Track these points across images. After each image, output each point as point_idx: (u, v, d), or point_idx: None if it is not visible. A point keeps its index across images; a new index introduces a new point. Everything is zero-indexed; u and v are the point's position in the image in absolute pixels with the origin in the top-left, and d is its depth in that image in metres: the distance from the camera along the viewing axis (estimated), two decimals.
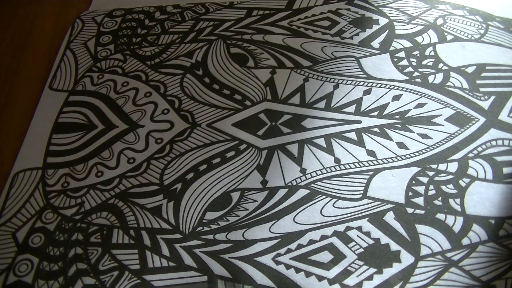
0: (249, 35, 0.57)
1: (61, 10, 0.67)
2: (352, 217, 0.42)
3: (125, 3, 0.65)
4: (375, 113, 0.48)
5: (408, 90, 0.49)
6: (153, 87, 0.54)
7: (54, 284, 0.42)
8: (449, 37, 0.53)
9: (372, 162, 0.45)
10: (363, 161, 0.45)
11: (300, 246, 0.41)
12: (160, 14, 0.62)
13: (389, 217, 0.41)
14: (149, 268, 0.42)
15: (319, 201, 0.43)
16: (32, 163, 0.51)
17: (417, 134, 0.46)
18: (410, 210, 0.41)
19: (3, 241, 0.46)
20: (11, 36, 0.65)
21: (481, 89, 0.47)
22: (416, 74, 0.50)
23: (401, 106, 0.47)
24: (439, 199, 0.41)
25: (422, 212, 0.41)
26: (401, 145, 0.45)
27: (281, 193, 0.44)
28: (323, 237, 0.41)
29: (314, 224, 0.42)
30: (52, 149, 0.51)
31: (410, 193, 0.42)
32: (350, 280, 0.38)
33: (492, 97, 0.47)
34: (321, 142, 0.47)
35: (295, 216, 0.42)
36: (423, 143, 0.45)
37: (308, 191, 0.44)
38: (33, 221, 0.46)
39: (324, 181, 0.44)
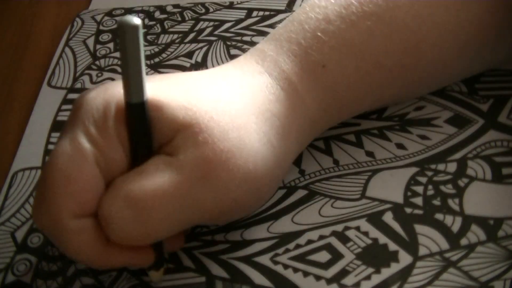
0: (249, 37, 0.57)
1: (61, 10, 0.67)
2: (350, 217, 0.42)
3: (125, 2, 0.65)
4: (374, 116, 0.48)
5: None
6: None
7: (53, 284, 0.42)
8: None
9: (371, 163, 0.45)
10: (362, 162, 0.45)
11: (298, 246, 0.41)
12: (160, 14, 0.62)
13: (388, 217, 0.41)
14: None
15: (317, 201, 0.43)
16: (31, 162, 0.51)
17: (416, 135, 0.46)
18: (408, 210, 0.41)
19: (1, 241, 0.45)
20: (10, 35, 0.65)
21: (480, 93, 0.47)
22: None
23: (400, 109, 0.47)
24: (438, 199, 0.41)
25: (421, 212, 0.41)
26: (399, 146, 0.45)
27: (280, 193, 0.44)
28: (321, 237, 0.41)
29: (312, 224, 0.42)
30: (51, 148, 0.51)
31: (409, 193, 0.42)
32: (348, 280, 0.38)
33: (491, 100, 0.47)
34: (320, 144, 0.47)
35: (294, 216, 0.42)
36: (422, 143, 0.45)
37: (307, 192, 0.44)
38: (32, 221, 0.46)
39: (322, 181, 0.44)
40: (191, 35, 0.59)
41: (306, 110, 0.41)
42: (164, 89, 0.37)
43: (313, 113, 0.41)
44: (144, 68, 0.33)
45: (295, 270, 0.39)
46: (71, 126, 0.35)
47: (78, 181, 0.34)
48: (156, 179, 0.34)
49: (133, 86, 0.33)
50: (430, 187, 0.42)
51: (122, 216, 0.34)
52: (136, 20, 0.31)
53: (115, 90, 0.36)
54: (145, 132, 0.35)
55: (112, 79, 0.56)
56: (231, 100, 0.38)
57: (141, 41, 0.32)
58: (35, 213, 0.36)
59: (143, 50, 0.33)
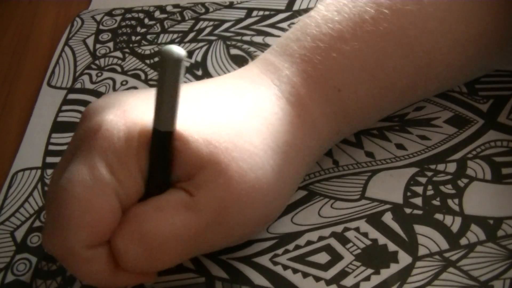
0: (249, 37, 0.57)
1: (61, 9, 0.67)
2: (350, 218, 0.42)
3: (125, 2, 0.65)
4: None
5: None
6: (153, 86, 0.54)
7: (52, 284, 0.42)
8: None
9: (371, 163, 0.44)
10: (361, 162, 0.45)
11: (297, 247, 0.41)
12: (160, 13, 0.62)
13: (387, 218, 0.41)
14: None
15: (317, 202, 0.43)
16: (31, 162, 0.51)
17: (415, 135, 0.46)
18: (408, 211, 0.41)
19: (1, 240, 0.45)
20: (10, 35, 0.65)
21: (480, 93, 0.47)
22: None
23: (400, 109, 0.47)
24: (438, 199, 0.41)
25: (420, 212, 0.41)
26: (399, 146, 0.45)
27: None
28: (321, 238, 0.41)
29: (311, 225, 0.42)
30: (52, 148, 0.51)
31: (409, 193, 0.42)
32: (348, 281, 0.38)
33: (491, 100, 0.47)
34: None
35: (293, 216, 0.42)
36: (421, 144, 0.45)
37: (306, 192, 0.44)
38: (32, 221, 0.46)
39: (322, 182, 0.44)
40: (191, 35, 0.59)
41: (319, 135, 0.41)
42: (188, 118, 0.35)
43: (325, 136, 0.41)
44: (180, 98, 0.32)
45: (295, 271, 0.39)
46: (88, 151, 0.33)
47: (96, 212, 0.33)
48: (173, 221, 0.34)
49: (165, 114, 0.32)
50: (429, 187, 0.42)
51: (134, 252, 0.34)
52: (181, 52, 0.30)
53: (136, 116, 0.35)
54: (167, 162, 0.34)
55: (112, 79, 0.56)
56: (250, 133, 0.37)
57: (182, 73, 0.31)
58: (46, 237, 0.35)
59: (182, 80, 0.31)
